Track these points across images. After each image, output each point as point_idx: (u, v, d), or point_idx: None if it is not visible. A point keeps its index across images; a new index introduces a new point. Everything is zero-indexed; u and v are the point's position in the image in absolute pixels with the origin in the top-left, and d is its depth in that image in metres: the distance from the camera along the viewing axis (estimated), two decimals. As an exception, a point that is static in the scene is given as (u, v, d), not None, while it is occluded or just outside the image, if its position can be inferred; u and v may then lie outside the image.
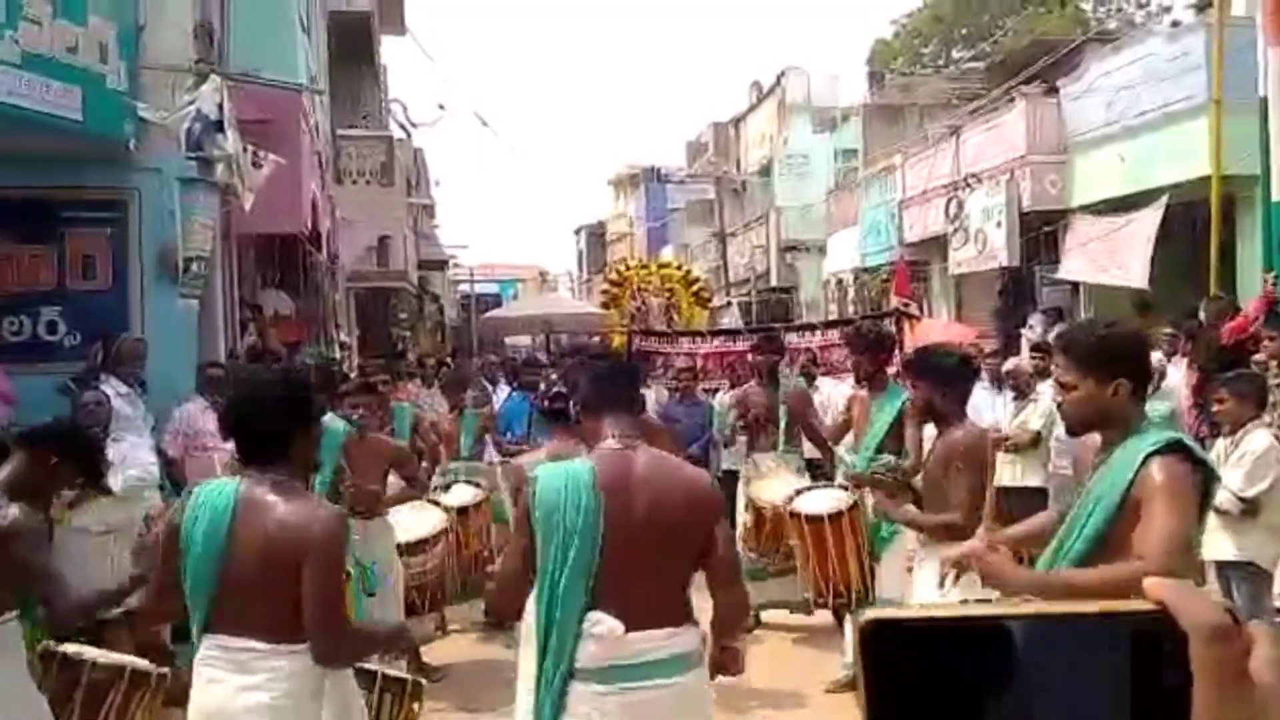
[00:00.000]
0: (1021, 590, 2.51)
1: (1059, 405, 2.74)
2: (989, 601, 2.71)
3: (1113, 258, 12.36)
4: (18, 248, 8.05)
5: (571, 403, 3.03)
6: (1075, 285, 13.82)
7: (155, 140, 7.76)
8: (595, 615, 2.58)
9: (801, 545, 5.23)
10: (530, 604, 2.72)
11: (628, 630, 2.57)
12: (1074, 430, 2.74)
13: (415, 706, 3.08)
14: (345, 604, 2.68)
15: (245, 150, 7.85)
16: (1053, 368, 2.74)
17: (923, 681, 0.52)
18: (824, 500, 5.19)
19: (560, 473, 2.70)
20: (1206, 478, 2.49)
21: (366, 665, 2.97)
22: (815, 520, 5.09)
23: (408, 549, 4.97)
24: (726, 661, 2.83)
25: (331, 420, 4.62)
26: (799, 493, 5.38)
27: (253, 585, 2.52)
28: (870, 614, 0.53)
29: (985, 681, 0.51)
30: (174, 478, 6.07)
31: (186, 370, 7.36)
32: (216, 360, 7.64)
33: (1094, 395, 2.56)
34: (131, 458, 5.48)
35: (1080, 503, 2.59)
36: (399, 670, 3.21)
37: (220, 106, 7.51)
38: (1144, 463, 2.42)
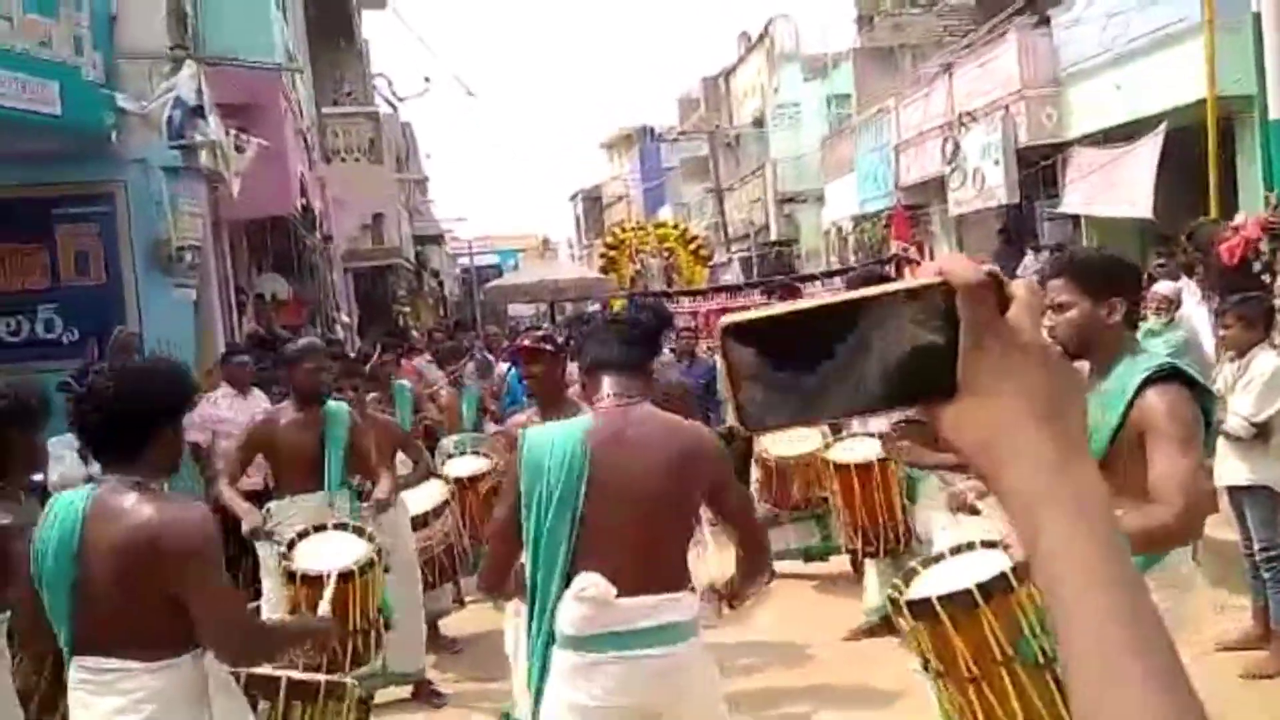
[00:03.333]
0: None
1: (1049, 328, 2.65)
2: (995, 543, 2.70)
3: (1114, 189, 12.20)
4: (10, 247, 8.02)
5: (578, 365, 2.88)
6: (1076, 219, 13.67)
7: (137, 131, 7.68)
8: (585, 577, 2.44)
9: (834, 493, 5.26)
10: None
11: (619, 595, 2.43)
12: (1065, 353, 2.62)
13: (337, 707, 2.86)
14: (240, 601, 2.51)
15: (228, 134, 7.77)
16: (1048, 291, 2.67)
17: (770, 363, 0.65)
18: (857, 450, 5.20)
19: (549, 431, 2.64)
20: (1205, 402, 2.48)
21: (268, 672, 2.81)
22: (843, 468, 5.13)
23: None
24: (732, 599, 2.73)
25: (335, 405, 4.57)
26: (836, 439, 5.42)
27: (111, 600, 2.34)
28: (726, 319, 0.66)
29: (819, 358, 0.64)
30: (202, 465, 6.11)
31: (186, 360, 7.34)
32: (238, 346, 7.63)
33: (1088, 315, 2.54)
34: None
35: None
36: (310, 674, 3.02)
37: (199, 92, 7.43)
38: (1140, 390, 2.40)
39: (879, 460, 5.02)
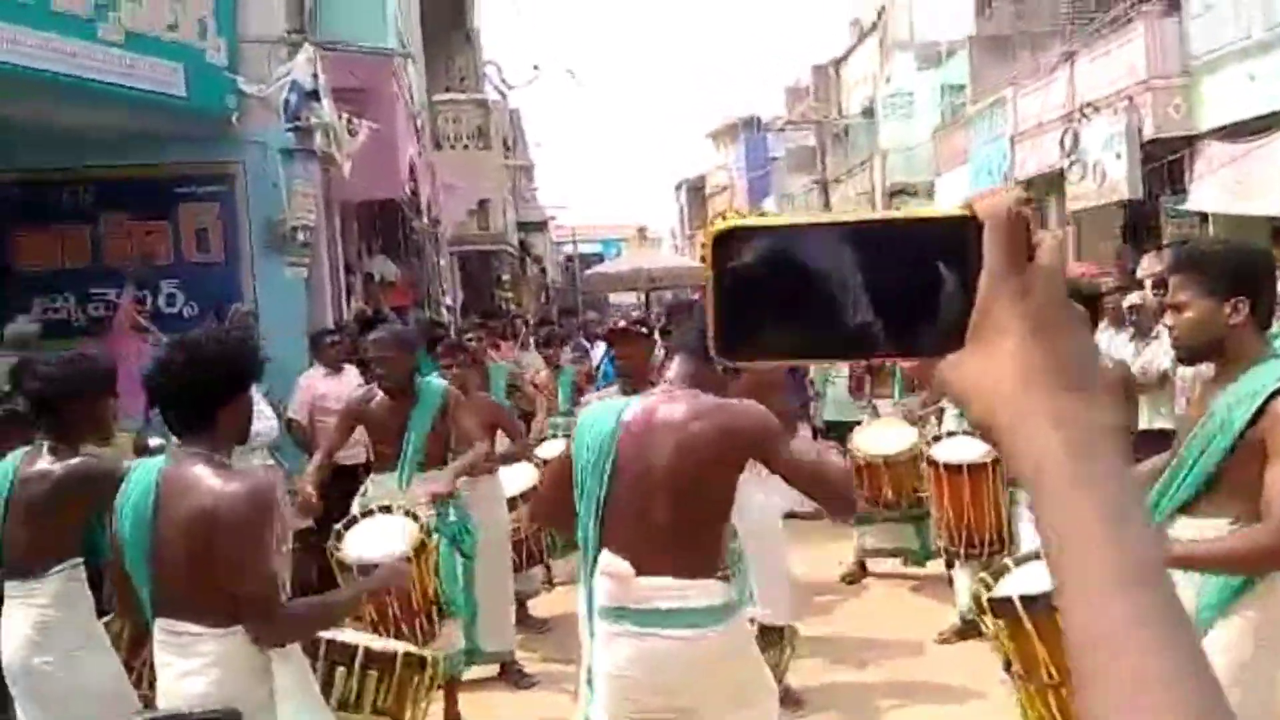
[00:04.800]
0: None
1: (1169, 329, 2.50)
2: None
3: (1247, 185, 11.56)
4: (137, 224, 8.41)
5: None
6: (1204, 217, 13.00)
7: (256, 113, 7.95)
8: (605, 555, 2.54)
9: (936, 492, 5.13)
10: None
11: (639, 574, 2.49)
12: (1185, 357, 2.51)
13: (417, 679, 2.92)
14: (274, 579, 2.48)
15: (341, 118, 7.97)
16: (1168, 290, 2.51)
17: (764, 279, 0.58)
18: (964, 449, 5.03)
19: (596, 410, 2.75)
20: None
21: (345, 640, 2.83)
22: (953, 469, 4.97)
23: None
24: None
25: (429, 381, 4.61)
26: (937, 439, 5.26)
27: (180, 567, 2.43)
28: (721, 224, 0.59)
29: (820, 276, 0.58)
30: (303, 444, 6.24)
31: (296, 338, 7.57)
32: (329, 328, 7.81)
33: (1209, 316, 2.34)
34: (255, 412, 5.66)
35: (1190, 439, 2.40)
36: (389, 644, 3.06)
37: (315, 76, 7.64)
38: (1271, 398, 2.23)
39: (991, 461, 4.86)
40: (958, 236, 0.57)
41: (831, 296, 0.58)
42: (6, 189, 8.10)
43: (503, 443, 5.33)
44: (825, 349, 0.60)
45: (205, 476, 2.41)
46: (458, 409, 4.47)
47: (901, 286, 0.57)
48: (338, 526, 3.90)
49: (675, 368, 2.66)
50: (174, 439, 2.65)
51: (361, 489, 4.45)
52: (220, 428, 2.50)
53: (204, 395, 2.47)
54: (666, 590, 2.48)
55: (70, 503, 2.83)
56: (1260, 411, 2.24)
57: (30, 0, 6.45)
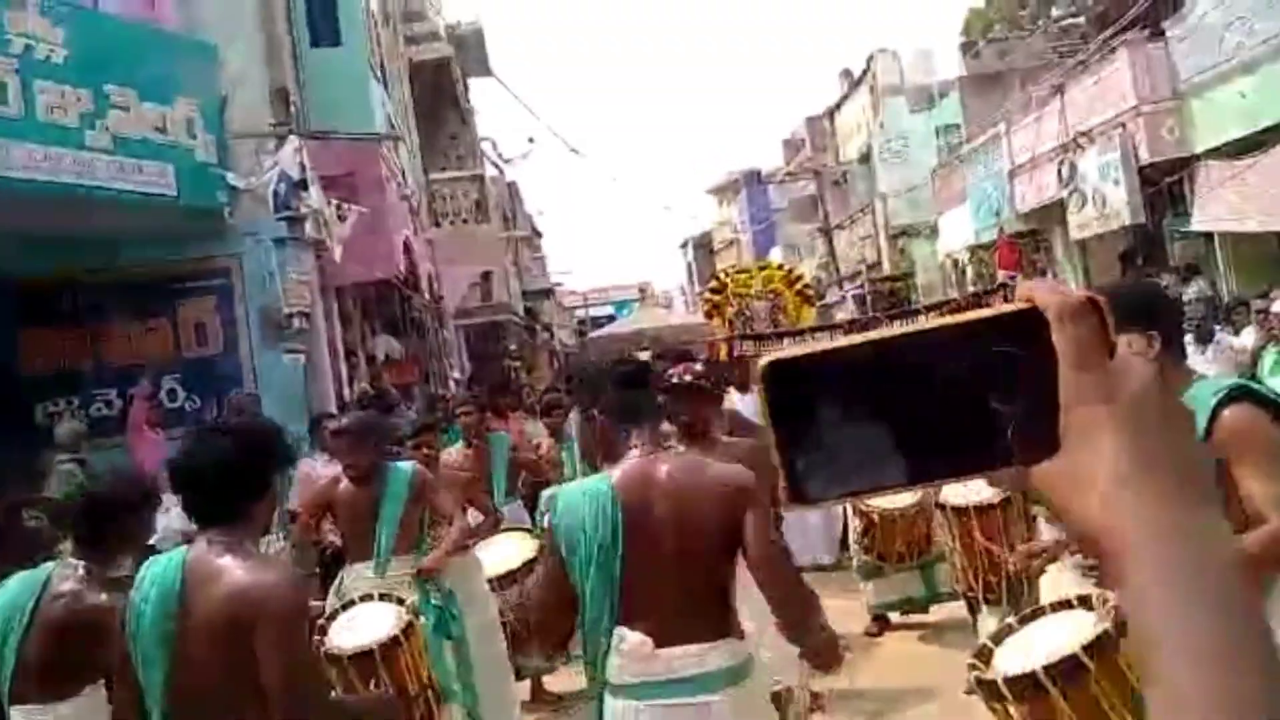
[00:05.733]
0: None
1: None
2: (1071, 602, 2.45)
3: (1248, 201, 11.47)
4: (137, 324, 8.47)
5: (601, 417, 2.81)
6: (1209, 236, 12.90)
7: (247, 205, 8.03)
8: (620, 632, 2.48)
9: (950, 538, 5.02)
10: None
11: (659, 645, 2.45)
12: None
13: None
14: (316, 677, 2.38)
15: (330, 204, 8.04)
16: None
17: (821, 404, 0.54)
18: (973, 492, 4.93)
19: (580, 490, 2.65)
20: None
21: None
22: (961, 511, 4.87)
23: (499, 581, 4.87)
24: (814, 659, 2.63)
25: (395, 466, 4.42)
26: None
27: (207, 664, 2.26)
28: (765, 359, 0.55)
29: (879, 396, 0.53)
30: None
31: (298, 424, 7.53)
32: (330, 412, 7.78)
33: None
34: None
35: None
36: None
37: (302, 165, 7.72)
38: (1215, 412, 2.28)
39: (1000, 501, 4.75)
40: (1023, 333, 0.53)
41: (899, 418, 0.53)
42: (6, 296, 8.19)
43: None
44: (911, 476, 0.55)
45: (241, 567, 2.29)
46: (429, 489, 4.36)
47: (967, 397, 0.53)
48: (320, 621, 3.78)
49: (638, 435, 2.59)
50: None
51: (336, 581, 4.32)
52: (253, 516, 2.43)
53: (242, 482, 2.39)
54: (688, 657, 2.47)
55: (114, 625, 2.61)
56: (1209, 429, 2.27)
57: (17, 114, 6.55)
